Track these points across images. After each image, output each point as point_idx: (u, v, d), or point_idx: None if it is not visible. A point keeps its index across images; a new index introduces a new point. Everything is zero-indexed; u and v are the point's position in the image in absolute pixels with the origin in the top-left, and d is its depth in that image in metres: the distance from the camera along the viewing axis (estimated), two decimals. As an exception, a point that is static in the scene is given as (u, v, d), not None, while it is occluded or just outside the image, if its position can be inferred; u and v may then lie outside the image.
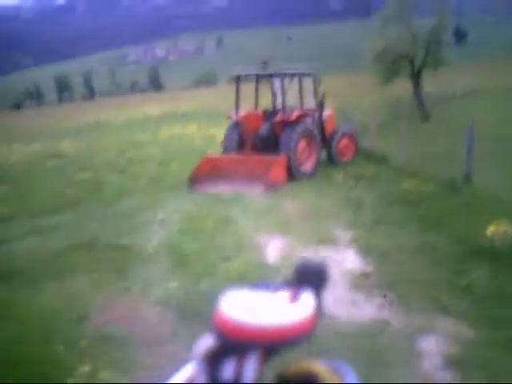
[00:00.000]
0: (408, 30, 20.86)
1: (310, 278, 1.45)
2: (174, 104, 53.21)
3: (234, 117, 12.94)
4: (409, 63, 21.78)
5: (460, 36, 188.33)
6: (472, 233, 6.83)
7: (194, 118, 35.81)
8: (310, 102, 13.30)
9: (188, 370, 1.38)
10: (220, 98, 59.29)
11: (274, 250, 7.38)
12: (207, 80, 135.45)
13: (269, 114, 13.02)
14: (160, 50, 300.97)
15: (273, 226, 8.51)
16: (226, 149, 12.94)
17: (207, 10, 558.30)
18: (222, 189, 11.37)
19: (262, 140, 12.59)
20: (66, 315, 5.46)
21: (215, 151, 18.09)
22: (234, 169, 11.94)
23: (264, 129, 12.57)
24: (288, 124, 12.22)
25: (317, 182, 11.94)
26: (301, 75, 13.11)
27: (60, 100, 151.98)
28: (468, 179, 10.06)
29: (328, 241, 7.45)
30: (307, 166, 12.49)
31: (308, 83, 13.31)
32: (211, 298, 1.56)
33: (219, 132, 23.64)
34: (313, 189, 11.11)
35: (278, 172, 11.51)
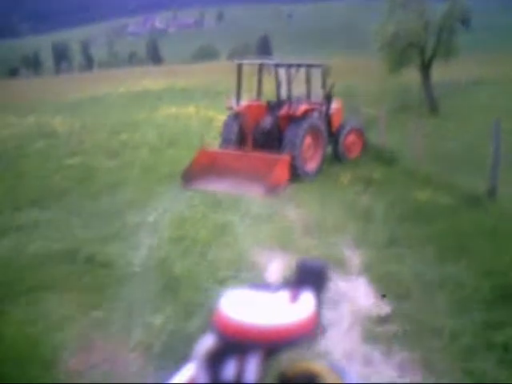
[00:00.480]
0: (420, 15, 19.79)
1: (311, 277, 1.40)
2: (173, 79, 51.87)
3: (234, 106, 11.99)
4: (419, 52, 20.75)
5: (463, 22, 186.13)
6: (502, 264, 6.00)
7: (192, 95, 34.80)
8: (317, 94, 12.40)
9: (188, 370, 1.32)
10: (219, 74, 57.78)
11: (275, 271, 6.57)
12: (207, 54, 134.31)
13: (273, 106, 12.10)
14: (160, 21, 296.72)
15: (273, 240, 7.68)
16: (225, 141, 12.01)
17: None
18: (219, 188, 10.52)
19: (263, 134, 11.66)
20: (30, 358, 4.63)
21: (213, 137, 17.32)
22: (232, 165, 11.07)
23: (267, 122, 11.65)
24: (294, 119, 11.31)
25: (321, 184, 11.05)
26: (309, 66, 12.18)
27: (57, 70, 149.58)
28: (493, 193, 8.97)
29: (336, 263, 6.61)
30: (312, 164, 11.61)
31: (315, 73, 12.37)
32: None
33: (218, 115, 22.82)
34: (317, 193, 10.24)
35: (281, 173, 10.60)
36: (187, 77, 54.36)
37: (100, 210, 9.72)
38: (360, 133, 13.25)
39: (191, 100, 31.65)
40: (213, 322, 1.27)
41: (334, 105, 12.84)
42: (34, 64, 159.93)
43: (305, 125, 11.18)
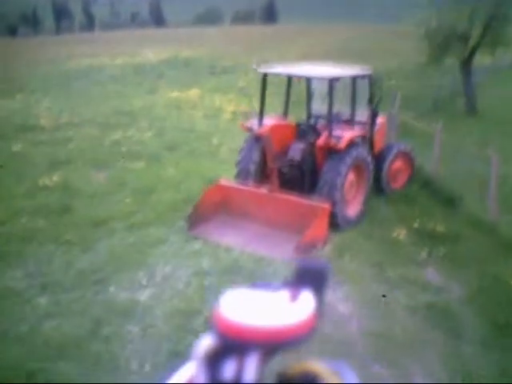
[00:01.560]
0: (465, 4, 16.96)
1: (311, 277, 1.34)
2: (176, 47, 48.74)
3: (255, 128, 9.30)
4: (463, 43, 17.94)
5: None
6: None
7: (196, 71, 31.81)
8: (359, 108, 9.73)
9: (187, 370, 1.29)
10: (224, 41, 54.94)
11: None
12: (211, 16, 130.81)
13: (304, 129, 9.46)
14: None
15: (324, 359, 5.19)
16: (242, 173, 9.29)
17: None
18: (235, 242, 8.01)
19: (292, 167, 9.09)
20: None
21: (219, 140, 14.74)
22: (252, 209, 8.53)
23: (296, 151, 8.97)
24: (334, 152, 8.70)
25: (368, 239, 8.46)
26: (354, 77, 9.50)
27: (58, 29, 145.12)
28: None
29: None
30: (353, 207, 9.02)
31: (359, 83, 9.65)
32: None
33: (225, 105, 20.15)
34: (366, 259, 7.70)
35: (319, 227, 7.96)
36: (190, 45, 51.08)
37: (75, 274, 7.30)
38: (408, 157, 10.60)
39: (195, 78, 28.80)
40: (212, 322, 1.23)
41: (378, 120, 10.18)
42: (33, 22, 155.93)
43: (348, 160, 8.55)
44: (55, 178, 11.07)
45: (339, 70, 9.57)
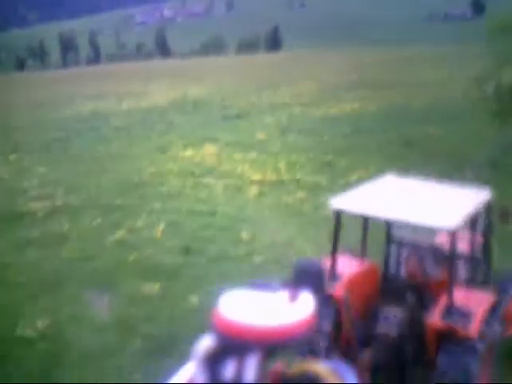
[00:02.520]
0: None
1: (309, 278, 1.29)
2: (183, 83, 46.35)
3: (330, 290, 6.10)
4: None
5: (477, 8, 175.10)
6: None
7: (208, 118, 28.97)
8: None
9: (188, 370, 1.41)
10: (231, 74, 52.38)
11: None
12: (215, 45, 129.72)
13: (395, 286, 6.55)
14: (168, 10, 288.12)
15: None
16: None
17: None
18: None
19: (386, 346, 6.02)
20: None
21: (252, 232, 11.84)
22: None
23: (389, 321, 6.03)
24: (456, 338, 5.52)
25: None
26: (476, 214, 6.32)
27: (65, 61, 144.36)
28: None
29: None
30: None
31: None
32: None
33: (248, 168, 17.28)
34: None
35: None
36: (197, 79, 48.59)
37: None
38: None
39: (207, 126, 26.00)
40: (212, 323, 1.34)
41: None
42: (40, 55, 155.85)
43: (481, 348, 5.48)
44: (40, 324, 8.15)
45: (451, 200, 6.19)
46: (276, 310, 1.41)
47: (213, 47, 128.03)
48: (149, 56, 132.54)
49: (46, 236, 12.01)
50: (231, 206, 13.91)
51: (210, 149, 20.69)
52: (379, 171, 8.60)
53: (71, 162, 19.39)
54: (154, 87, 44.67)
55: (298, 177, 16.36)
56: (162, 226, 12.27)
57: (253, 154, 19.64)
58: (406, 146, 19.30)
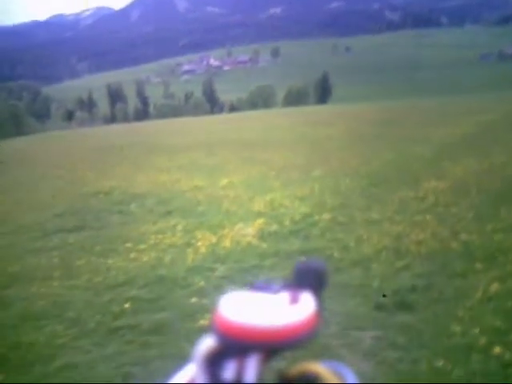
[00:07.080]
0: None
1: (310, 278, 1.19)
2: (236, 151, 41.91)
3: None
4: None
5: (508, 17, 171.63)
6: None
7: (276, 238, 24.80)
8: None
9: (188, 371, 1.16)
10: (285, 145, 47.58)
11: None
12: (263, 94, 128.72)
13: None
14: (214, 59, 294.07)
15: None
16: None
17: (262, 19, 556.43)
18: None
19: None
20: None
21: None
22: None
23: None
24: None
25: None
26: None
27: (113, 114, 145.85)
28: None
29: None
30: None
31: None
32: None
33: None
34: None
35: None
36: (250, 146, 44.47)
37: None
38: None
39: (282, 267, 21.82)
40: (213, 323, 1.09)
41: None
42: (88, 106, 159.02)
43: None
44: None
45: None
46: (277, 310, 1.52)
47: (260, 96, 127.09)
48: (197, 106, 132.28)
49: None
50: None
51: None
52: None
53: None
54: (202, 154, 40.78)
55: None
56: None
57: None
58: None
